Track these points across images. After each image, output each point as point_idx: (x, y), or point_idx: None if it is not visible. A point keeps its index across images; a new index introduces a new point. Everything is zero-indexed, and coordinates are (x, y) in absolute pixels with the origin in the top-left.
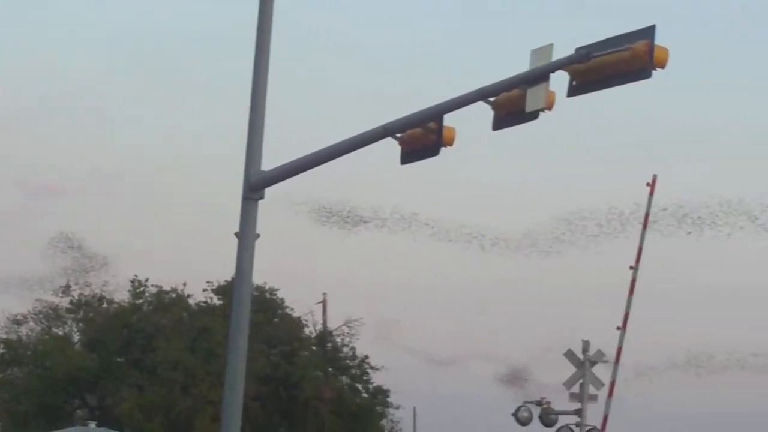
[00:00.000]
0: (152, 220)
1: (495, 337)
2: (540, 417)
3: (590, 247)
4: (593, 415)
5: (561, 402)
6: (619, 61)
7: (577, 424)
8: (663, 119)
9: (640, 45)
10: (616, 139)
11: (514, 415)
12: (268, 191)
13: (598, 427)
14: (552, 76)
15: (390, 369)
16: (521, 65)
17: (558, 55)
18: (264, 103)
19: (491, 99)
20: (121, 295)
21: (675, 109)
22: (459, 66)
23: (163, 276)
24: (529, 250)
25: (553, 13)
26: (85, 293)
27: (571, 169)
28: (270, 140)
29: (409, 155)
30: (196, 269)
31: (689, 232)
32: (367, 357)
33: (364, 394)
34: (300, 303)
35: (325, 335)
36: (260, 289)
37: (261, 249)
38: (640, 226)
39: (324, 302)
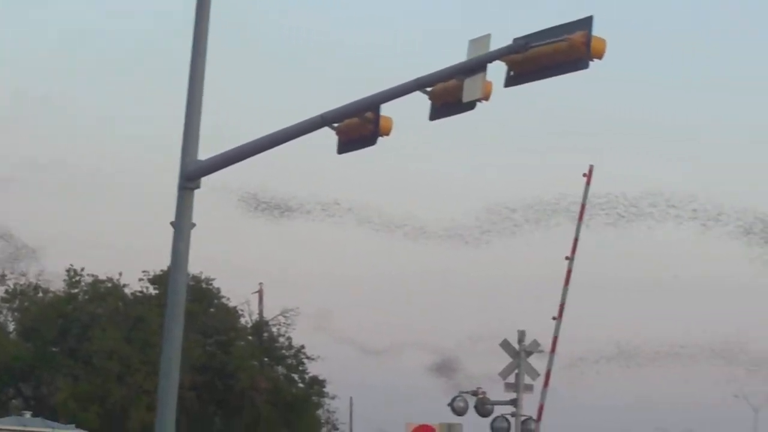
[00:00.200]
0: (88, 210)
1: (427, 327)
2: (476, 407)
3: (524, 237)
4: (529, 404)
5: (496, 392)
6: (556, 52)
7: (513, 414)
8: (599, 110)
9: (578, 36)
10: (551, 130)
11: (450, 405)
12: (205, 181)
13: (534, 416)
14: (489, 66)
15: (326, 359)
16: (459, 55)
17: (495, 45)
18: (201, 93)
19: (428, 89)
20: (57, 285)
21: (611, 100)
22: (397, 56)
23: (99, 266)
24: (463, 240)
25: (490, 3)
26: (21, 283)
27: (507, 160)
28: (206, 129)
29: (346, 145)
30: (133, 259)
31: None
32: (303, 347)
33: (300, 384)
34: (236, 293)
35: (261, 325)
36: (196, 279)
37: (197, 238)
38: (575, 217)
39: (260, 292)
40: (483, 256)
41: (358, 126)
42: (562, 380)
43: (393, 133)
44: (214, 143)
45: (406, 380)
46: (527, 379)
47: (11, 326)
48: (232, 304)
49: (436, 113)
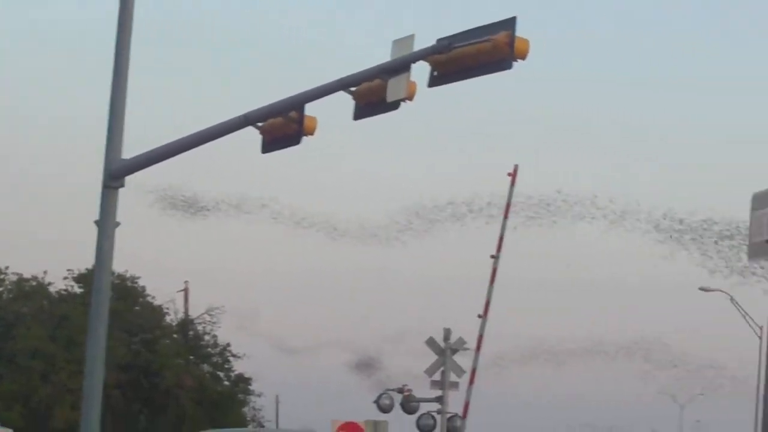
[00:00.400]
0: (13, 208)
1: (351, 325)
2: (401, 404)
3: (450, 236)
4: (454, 402)
5: (422, 389)
6: (480, 52)
7: (439, 411)
8: (522, 111)
9: (501, 36)
10: (476, 130)
11: (376, 402)
12: (129, 179)
13: (460, 414)
14: (413, 66)
15: (252, 357)
16: (383, 56)
17: (419, 45)
18: (125, 91)
19: (352, 89)
20: None
21: (534, 100)
22: (321, 56)
23: (23, 264)
24: (387, 238)
25: (414, 3)
26: None
27: (431, 159)
28: (131, 128)
29: (271, 144)
30: (58, 257)
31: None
32: (228, 345)
33: (226, 382)
34: (161, 291)
35: (186, 323)
36: (121, 278)
37: (122, 237)
38: (500, 216)
39: (186, 290)
40: (407, 255)
41: (282, 125)
42: (487, 378)
43: (317, 132)
44: (138, 142)
45: (330, 378)
46: (453, 377)
47: None
48: (157, 302)
49: (360, 113)
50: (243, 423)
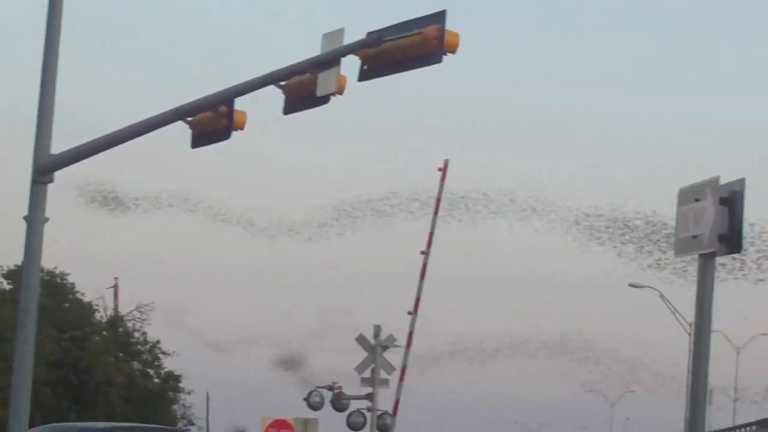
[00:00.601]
0: None
1: (279, 321)
2: (331, 402)
3: (379, 231)
4: (385, 399)
5: (352, 387)
6: (410, 46)
7: (369, 409)
8: (455, 105)
9: (431, 30)
10: (407, 124)
11: (306, 399)
12: (60, 174)
13: (390, 411)
14: (343, 60)
15: (182, 354)
16: (313, 49)
17: (349, 39)
18: (54, 86)
19: (282, 83)
20: None
21: (466, 95)
22: (252, 50)
23: None
24: (317, 233)
25: None
26: None
27: (363, 154)
28: (60, 123)
29: (200, 139)
30: None
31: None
32: (158, 342)
33: (156, 380)
34: (91, 288)
35: (116, 320)
36: (51, 274)
37: (51, 233)
38: (431, 211)
39: (115, 287)
40: (334, 250)
41: (212, 120)
42: (418, 375)
43: (248, 127)
44: (67, 136)
45: (260, 375)
46: (383, 374)
47: None
48: (87, 299)
49: (290, 107)
50: (173, 420)
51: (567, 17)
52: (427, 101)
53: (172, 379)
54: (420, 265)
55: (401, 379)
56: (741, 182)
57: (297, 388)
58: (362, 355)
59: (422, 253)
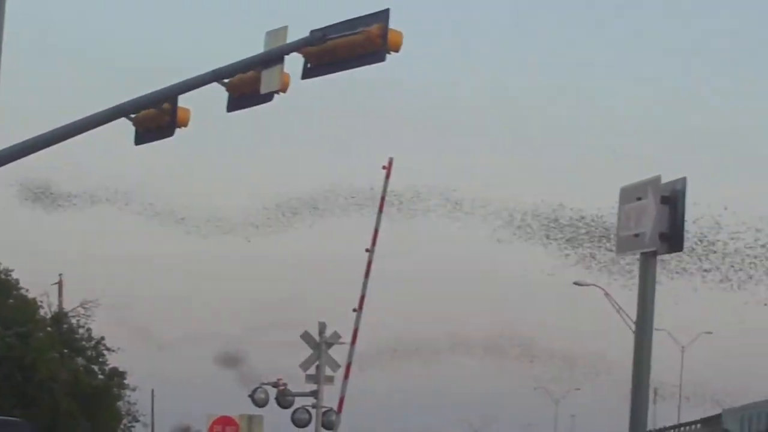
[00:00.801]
0: None
1: (223, 317)
2: (276, 398)
3: (325, 228)
4: (329, 396)
5: (297, 383)
6: (353, 44)
7: (314, 406)
8: (399, 102)
9: (374, 28)
10: (352, 122)
11: (251, 396)
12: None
13: (335, 408)
14: (287, 58)
15: (126, 350)
16: (256, 47)
17: (293, 37)
18: None
19: (226, 80)
20: None
21: (410, 92)
22: (195, 47)
23: None
24: (260, 229)
25: None
26: None
27: (309, 151)
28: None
29: (144, 136)
30: None
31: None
32: (102, 338)
33: (101, 376)
34: (35, 284)
35: (60, 316)
36: None
37: None
38: (376, 208)
39: (60, 283)
40: (281, 247)
41: (156, 117)
42: (363, 372)
43: (191, 123)
44: (8, 132)
45: (204, 372)
46: (328, 371)
47: None
48: (31, 295)
49: (233, 104)
50: (118, 417)
51: (511, 15)
52: (371, 99)
53: (117, 375)
54: (365, 263)
55: (346, 376)
56: (682, 181)
57: (241, 385)
58: (307, 352)
59: (367, 251)
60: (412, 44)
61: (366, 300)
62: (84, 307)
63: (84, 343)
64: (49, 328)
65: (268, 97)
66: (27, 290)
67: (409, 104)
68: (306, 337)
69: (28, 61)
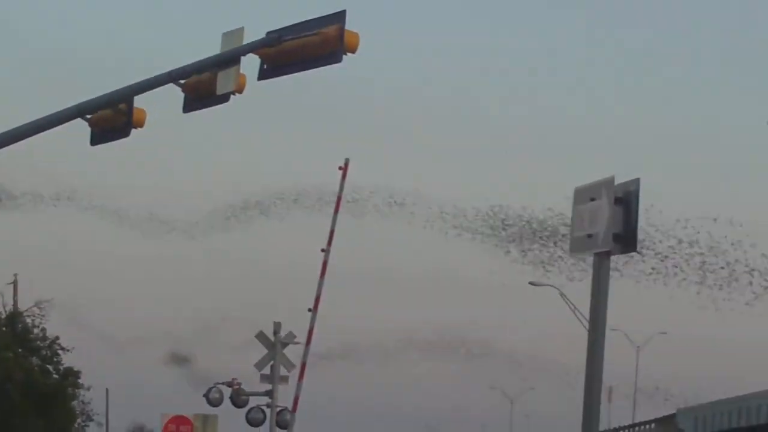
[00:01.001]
0: None
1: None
2: (231, 398)
3: (280, 229)
4: (284, 396)
5: (252, 383)
6: (309, 46)
7: (268, 406)
8: (357, 105)
9: (331, 29)
10: (309, 122)
11: (205, 396)
12: None
13: (290, 408)
14: (244, 59)
15: (81, 350)
16: (213, 48)
17: (249, 38)
18: None
19: (182, 81)
20: None
21: (368, 95)
22: (152, 49)
23: None
24: (215, 230)
25: None
26: None
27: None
28: None
29: (100, 136)
30: None
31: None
32: (57, 338)
33: (55, 376)
34: None
35: (15, 316)
36: None
37: None
38: (331, 209)
39: (14, 283)
40: (237, 246)
41: (112, 118)
42: (317, 372)
43: (147, 124)
44: None
45: (159, 371)
46: (283, 371)
47: None
48: None
49: (189, 105)
50: (72, 416)
51: (466, 16)
52: (328, 101)
53: (71, 375)
54: (320, 263)
55: (301, 376)
56: (636, 182)
57: (196, 385)
58: (262, 351)
59: (322, 250)
60: (369, 45)
61: (325, 300)
62: (39, 307)
63: (39, 342)
64: (3, 328)
65: (224, 98)
66: None
67: (364, 105)
68: (261, 337)
69: None
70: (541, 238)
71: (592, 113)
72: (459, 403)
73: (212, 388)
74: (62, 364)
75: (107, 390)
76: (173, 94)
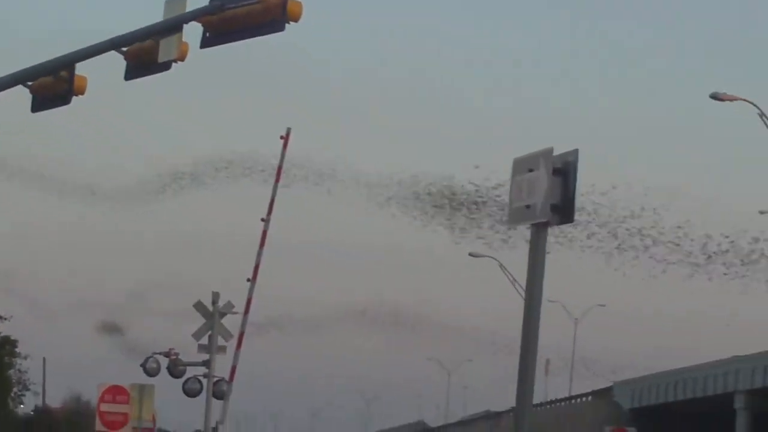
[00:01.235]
0: None
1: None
2: (168, 368)
3: (218, 198)
4: (221, 366)
5: (189, 353)
6: (252, 14)
7: (205, 376)
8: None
9: None
10: (251, 92)
11: (143, 365)
12: None
13: (227, 378)
14: (186, 27)
15: (17, 319)
16: (155, 16)
17: (192, 6)
18: None
19: (124, 49)
20: None
21: (310, 65)
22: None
23: None
24: (153, 198)
25: None
26: None
27: (203, 119)
28: None
29: (41, 103)
30: None
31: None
32: None
33: None
34: None
35: None
36: None
37: None
38: (272, 179)
39: None
40: (175, 216)
41: (53, 85)
42: (255, 342)
43: (89, 92)
44: None
45: (95, 341)
46: (220, 341)
47: None
48: None
49: (131, 73)
50: (8, 385)
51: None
52: (271, 69)
53: (8, 344)
54: (260, 233)
55: (238, 346)
56: (574, 153)
57: (129, 354)
58: (200, 321)
59: (262, 220)
60: (313, 14)
61: (264, 269)
62: None
63: None
64: None
65: (166, 66)
66: None
67: (309, 74)
68: (199, 306)
69: None
70: (480, 208)
71: (576, 105)
72: (396, 375)
73: (149, 357)
74: None
75: (44, 359)
76: (115, 61)
